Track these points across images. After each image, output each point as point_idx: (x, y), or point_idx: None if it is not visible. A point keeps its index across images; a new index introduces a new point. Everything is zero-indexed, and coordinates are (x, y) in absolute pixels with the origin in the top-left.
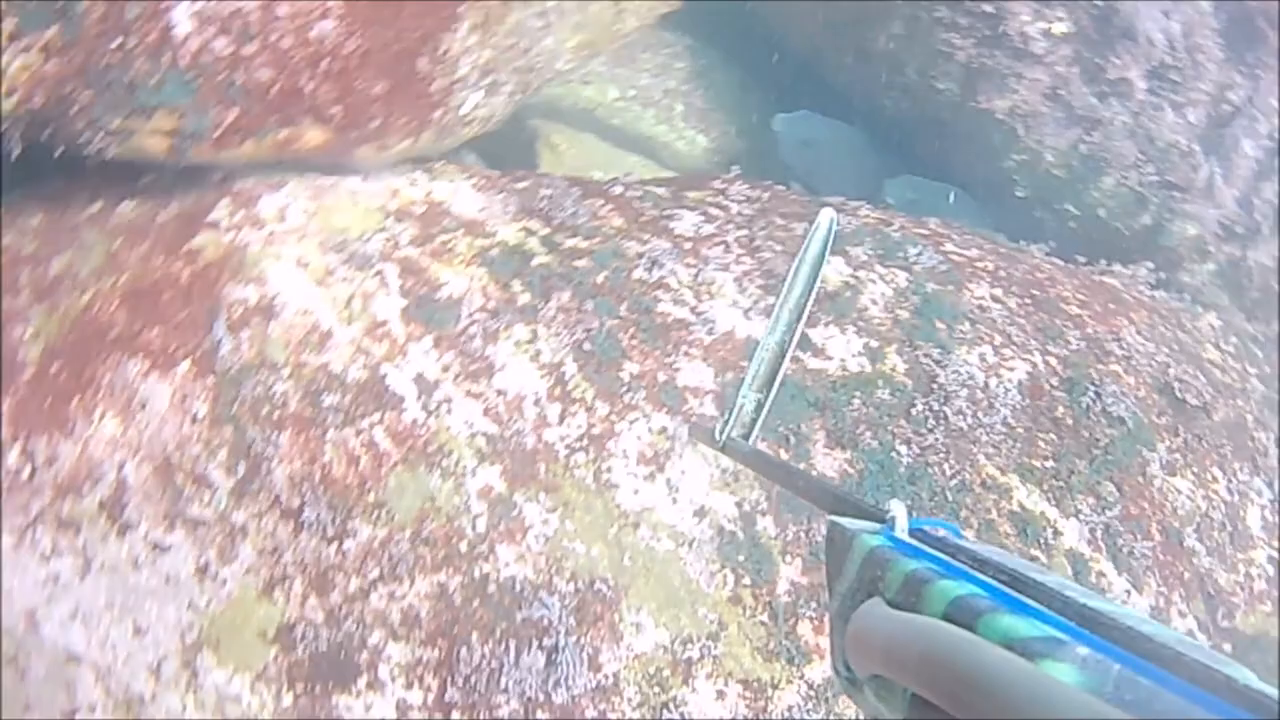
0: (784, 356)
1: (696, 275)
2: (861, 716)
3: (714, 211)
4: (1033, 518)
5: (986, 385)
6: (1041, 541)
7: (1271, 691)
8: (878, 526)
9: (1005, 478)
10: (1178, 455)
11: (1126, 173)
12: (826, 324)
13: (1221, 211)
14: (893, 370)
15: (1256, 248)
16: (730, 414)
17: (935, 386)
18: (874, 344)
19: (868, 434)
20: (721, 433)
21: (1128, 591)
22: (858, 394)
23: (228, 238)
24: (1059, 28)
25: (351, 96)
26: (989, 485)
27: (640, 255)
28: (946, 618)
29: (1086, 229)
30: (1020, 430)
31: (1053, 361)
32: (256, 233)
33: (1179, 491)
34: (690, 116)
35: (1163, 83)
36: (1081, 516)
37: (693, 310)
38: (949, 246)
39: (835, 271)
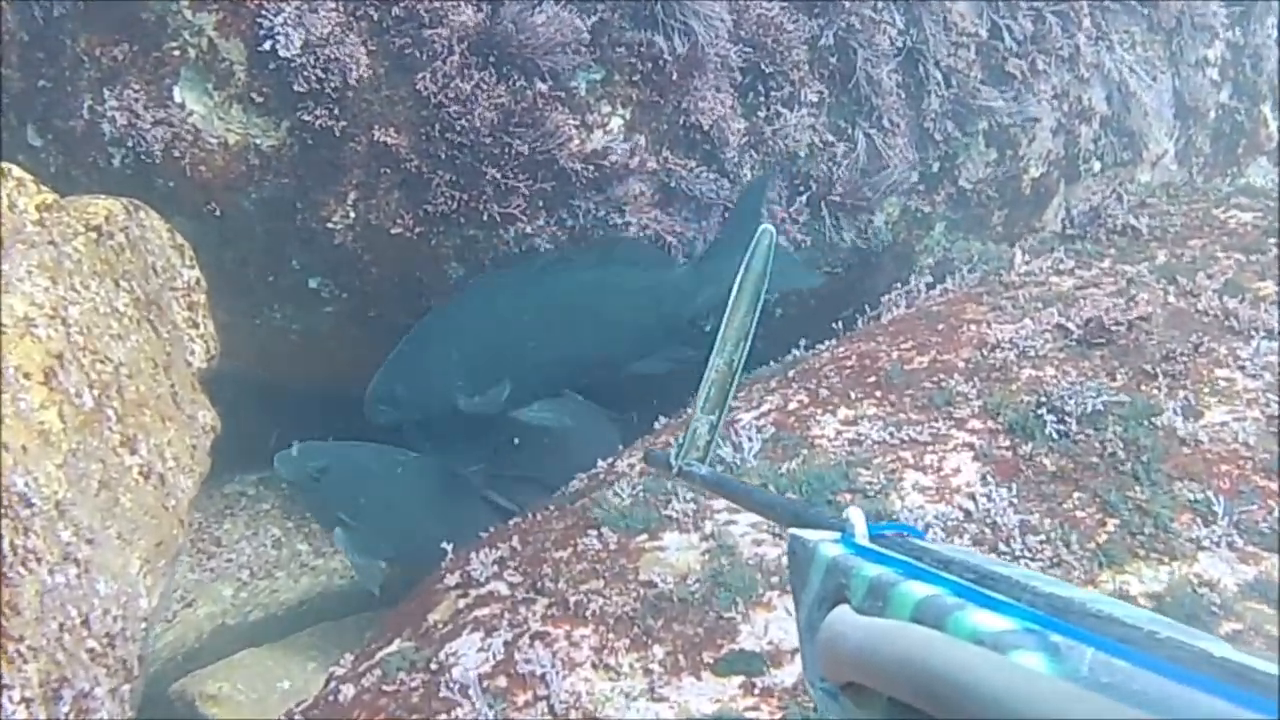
0: (733, 378)
1: None
2: None
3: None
4: None
5: None
6: None
7: (1249, 661)
8: (837, 535)
9: None
10: None
11: None
12: None
13: None
14: None
15: None
16: (684, 440)
17: None
18: None
19: None
20: (677, 459)
21: None
22: None
23: None
24: None
25: None
26: None
27: None
28: (914, 620)
29: None
30: None
31: None
32: None
33: None
34: (320, 543)
35: None
36: None
37: None
38: None
39: None
